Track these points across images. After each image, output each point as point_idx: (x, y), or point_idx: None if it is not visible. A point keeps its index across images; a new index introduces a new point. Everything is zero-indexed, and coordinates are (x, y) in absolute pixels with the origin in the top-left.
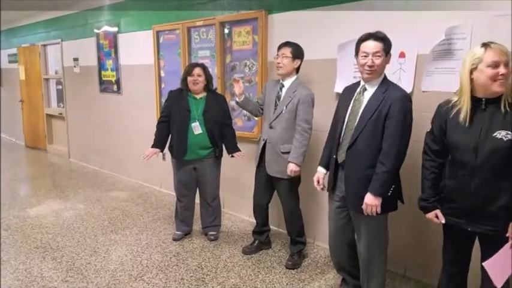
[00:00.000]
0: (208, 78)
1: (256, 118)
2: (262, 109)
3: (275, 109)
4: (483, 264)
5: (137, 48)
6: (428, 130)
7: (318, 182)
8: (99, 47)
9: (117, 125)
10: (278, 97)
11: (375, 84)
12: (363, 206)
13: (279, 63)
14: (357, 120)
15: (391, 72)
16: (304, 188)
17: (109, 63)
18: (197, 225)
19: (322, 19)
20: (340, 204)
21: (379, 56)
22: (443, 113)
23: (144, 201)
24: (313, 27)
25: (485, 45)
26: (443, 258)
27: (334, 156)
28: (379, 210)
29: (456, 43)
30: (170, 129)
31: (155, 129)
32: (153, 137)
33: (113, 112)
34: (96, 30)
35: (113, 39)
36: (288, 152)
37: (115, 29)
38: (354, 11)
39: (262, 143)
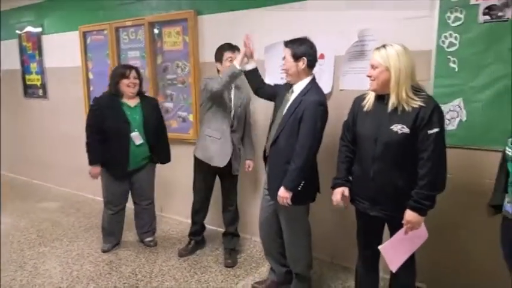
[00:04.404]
0: (141, 81)
1: (191, 119)
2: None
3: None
4: (378, 247)
5: (63, 50)
6: (345, 119)
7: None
8: (22, 50)
9: (45, 131)
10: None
11: (300, 86)
12: (277, 198)
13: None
14: (281, 118)
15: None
16: (245, 185)
17: (33, 66)
18: (131, 231)
19: (250, 21)
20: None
21: (286, 60)
22: (356, 104)
23: (76, 210)
24: (242, 29)
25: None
26: (357, 242)
27: (265, 144)
28: (289, 202)
29: (368, 44)
30: (105, 141)
31: (87, 141)
32: (85, 146)
33: (39, 118)
34: (18, 32)
35: (37, 41)
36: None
37: (39, 29)
38: (279, 14)
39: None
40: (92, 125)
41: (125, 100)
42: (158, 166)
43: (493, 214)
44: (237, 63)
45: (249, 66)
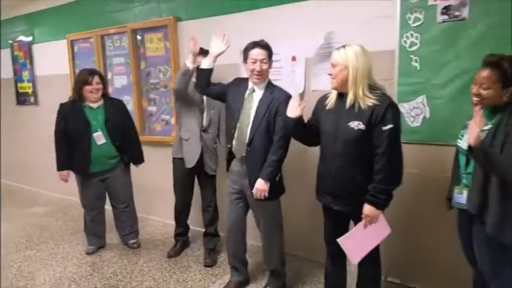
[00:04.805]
0: (104, 84)
1: (173, 122)
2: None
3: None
4: (337, 240)
5: (53, 58)
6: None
7: None
8: (14, 59)
9: (36, 137)
10: None
11: (262, 86)
12: (253, 191)
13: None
14: (251, 119)
15: (286, 74)
16: (224, 185)
17: (25, 74)
18: (114, 233)
19: (226, 26)
20: (238, 196)
21: (265, 62)
22: (320, 103)
23: (64, 214)
24: None
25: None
26: (324, 238)
27: (229, 146)
28: (266, 194)
29: (335, 46)
30: (70, 144)
31: (55, 148)
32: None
33: (31, 124)
34: (10, 41)
35: (28, 50)
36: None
37: (29, 38)
38: (255, 18)
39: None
40: (58, 130)
41: (87, 103)
42: (143, 169)
43: (450, 207)
44: (187, 62)
45: (203, 65)
